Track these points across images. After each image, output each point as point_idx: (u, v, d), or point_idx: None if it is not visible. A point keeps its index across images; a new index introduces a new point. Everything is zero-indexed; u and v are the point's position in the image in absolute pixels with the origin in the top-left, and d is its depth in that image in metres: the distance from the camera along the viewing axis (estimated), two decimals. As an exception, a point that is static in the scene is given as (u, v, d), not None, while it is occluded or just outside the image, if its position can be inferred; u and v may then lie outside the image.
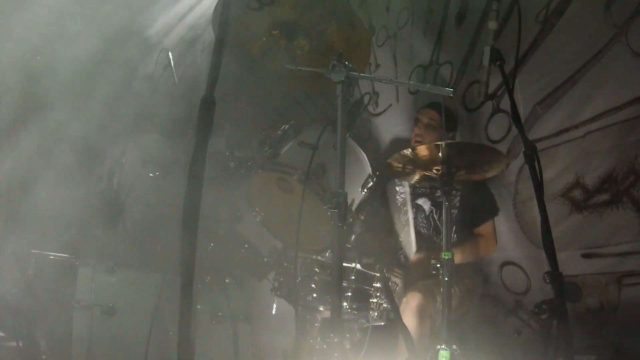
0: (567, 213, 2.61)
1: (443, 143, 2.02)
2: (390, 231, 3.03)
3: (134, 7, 3.76)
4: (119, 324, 2.67)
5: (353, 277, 2.37)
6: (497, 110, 3.01)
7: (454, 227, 2.80)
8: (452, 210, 2.82)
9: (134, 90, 3.60)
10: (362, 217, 2.50)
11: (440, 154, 2.07)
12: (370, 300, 2.36)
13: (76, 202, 3.34)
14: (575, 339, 1.61)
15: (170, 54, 3.29)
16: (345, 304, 2.31)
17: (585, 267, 2.52)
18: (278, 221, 2.69)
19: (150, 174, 3.38)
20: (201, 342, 2.91)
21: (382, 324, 2.40)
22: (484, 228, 2.85)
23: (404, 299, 2.41)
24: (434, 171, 2.17)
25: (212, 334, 3.01)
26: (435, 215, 2.89)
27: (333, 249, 1.73)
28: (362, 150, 2.61)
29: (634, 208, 2.35)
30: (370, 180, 2.53)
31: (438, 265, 2.08)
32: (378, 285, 2.35)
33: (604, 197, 2.47)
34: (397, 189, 3.11)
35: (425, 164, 2.16)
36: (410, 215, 2.87)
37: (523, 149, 1.79)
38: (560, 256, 1.65)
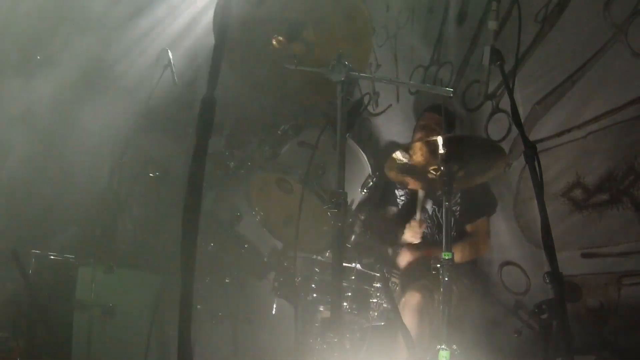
0: (567, 213, 2.61)
1: (439, 138, 2.01)
2: (390, 231, 3.03)
3: (134, 7, 3.76)
4: (119, 324, 2.67)
5: (353, 277, 2.37)
6: (496, 109, 3.01)
7: (455, 225, 2.79)
8: (454, 207, 2.81)
9: (134, 90, 3.60)
10: (362, 217, 2.51)
11: (438, 152, 2.06)
12: (370, 300, 2.36)
13: (77, 202, 3.35)
14: (575, 339, 1.61)
15: (170, 54, 3.28)
16: (345, 304, 2.31)
17: (585, 267, 2.52)
18: (278, 221, 2.69)
19: (150, 174, 3.38)
20: (201, 342, 2.92)
21: (382, 324, 2.40)
22: (477, 225, 2.81)
23: (403, 299, 2.41)
24: (432, 172, 2.16)
25: (212, 334, 3.01)
26: (438, 214, 2.89)
27: (333, 249, 1.73)
28: (362, 150, 2.61)
29: (634, 208, 2.35)
30: (370, 180, 2.53)
31: (438, 265, 2.08)
32: (378, 285, 2.35)
33: (604, 197, 2.47)
34: (397, 191, 3.10)
35: (422, 166, 2.15)
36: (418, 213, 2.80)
37: (523, 150, 1.79)
38: (560, 256, 1.65)
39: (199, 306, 2.99)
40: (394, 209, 3.10)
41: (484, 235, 2.82)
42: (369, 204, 2.66)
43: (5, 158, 3.23)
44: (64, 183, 3.34)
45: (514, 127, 2.85)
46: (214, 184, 3.00)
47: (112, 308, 2.65)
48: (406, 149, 2.10)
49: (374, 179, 2.56)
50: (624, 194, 2.38)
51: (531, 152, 1.74)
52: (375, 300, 2.35)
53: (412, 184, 2.38)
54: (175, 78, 3.15)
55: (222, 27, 1.32)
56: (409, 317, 2.31)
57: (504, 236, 2.92)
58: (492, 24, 2.06)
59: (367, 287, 2.37)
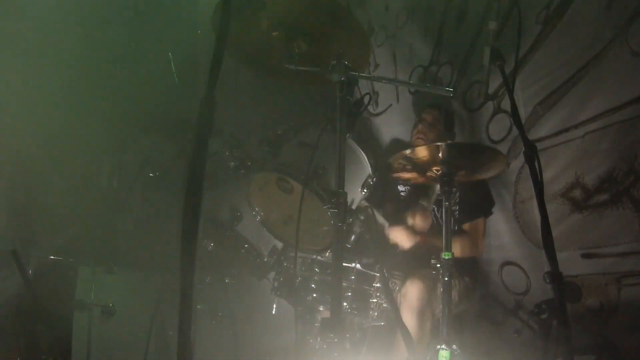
0: (567, 213, 2.61)
1: (443, 144, 2.03)
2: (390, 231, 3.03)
3: (133, 7, 3.76)
4: (119, 324, 2.67)
5: (353, 277, 2.37)
6: (497, 110, 3.01)
7: (455, 225, 2.79)
8: (454, 207, 2.81)
9: (133, 90, 3.60)
10: (362, 217, 2.50)
11: (440, 155, 2.07)
12: (370, 300, 2.36)
13: (77, 202, 3.34)
14: (575, 339, 1.61)
15: (170, 54, 3.29)
16: (345, 304, 2.31)
17: (585, 267, 2.52)
18: (278, 221, 2.68)
19: (150, 174, 3.38)
20: (201, 342, 2.92)
21: (382, 324, 2.40)
22: (472, 226, 2.81)
23: (403, 289, 2.41)
24: (434, 171, 2.17)
25: (212, 334, 3.01)
26: (437, 214, 2.89)
27: (333, 249, 1.73)
28: (362, 150, 2.61)
29: (634, 208, 2.35)
30: (370, 180, 2.53)
31: (438, 265, 2.08)
32: (378, 285, 2.35)
33: (604, 197, 2.47)
34: (399, 187, 3.11)
35: (425, 165, 2.16)
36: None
37: (523, 149, 1.79)
38: (560, 256, 1.65)
39: (199, 306, 2.99)
40: (394, 206, 3.11)
41: (479, 235, 2.82)
42: (369, 203, 2.66)
43: (5, 158, 3.22)
44: (64, 183, 3.34)
45: (514, 127, 2.85)
46: (214, 184, 3.00)
47: (112, 308, 2.65)
48: (411, 147, 2.11)
49: (374, 179, 2.56)
50: (624, 194, 2.38)
51: (531, 152, 1.74)
52: (375, 300, 2.35)
53: (415, 179, 2.38)
54: (176, 78, 3.15)
55: (222, 27, 1.32)
56: (408, 313, 2.31)
57: (504, 236, 2.93)
58: (492, 24, 2.06)
59: (367, 287, 2.37)
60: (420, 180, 2.38)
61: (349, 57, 1.82)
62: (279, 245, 2.83)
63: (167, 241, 3.15)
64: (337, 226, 1.66)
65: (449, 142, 2.05)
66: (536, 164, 1.73)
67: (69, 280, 2.66)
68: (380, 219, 2.96)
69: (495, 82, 2.99)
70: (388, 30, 3.84)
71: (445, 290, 2.03)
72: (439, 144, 2.04)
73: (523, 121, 2.70)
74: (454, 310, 2.22)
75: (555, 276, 1.58)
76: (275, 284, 2.62)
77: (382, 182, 2.68)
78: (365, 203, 2.38)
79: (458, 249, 2.70)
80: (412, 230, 2.78)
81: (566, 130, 2.65)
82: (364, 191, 2.50)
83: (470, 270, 2.78)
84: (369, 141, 3.82)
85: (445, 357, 1.94)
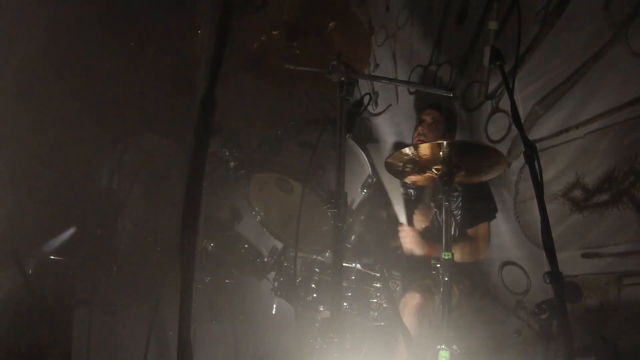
0: (567, 213, 2.61)
1: (445, 142, 2.02)
2: (389, 231, 3.03)
3: (133, 7, 3.76)
4: (119, 324, 2.67)
5: (353, 277, 2.37)
6: (496, 109, 3.01)
7: (456, 229, 2.79)
8: (456, 211, 2.82)
9: (133, 90, 3.60)
10: (362, 217, 2.51)
11: (441, 153, 2.07)
12: (370, 300, 2.36)
13: (77, 203, 3.35)
14: (575, 339, 1.61)
15: (170, 53, 3.29)
16: (345, 304, 2.31)
17: (585, 267, 2.52)
18: (278, 221, 2.69)
19: (151, 174, 3.38)
20: (201, 342, 2.92)
21: (382, 324, 2.40)
22: (478, 230, 2.81)
23: (403, 299, 2.41)
24: (434, 171, 2.16)
25: (212, 334, 3.01)
26: (439, 217, 2.89)
27: (333, 249, 1.73)
28: (362, 150, 2.61)
29: (634, 208, 2.35)
30: (370, 180, 2.53)
31: (438, 265, 2.08)
32: (378, 285, 2.35)
33: (604, 197, 2.47)
34: (400, 189, 3.10)
35: (426, 164, 2.16)
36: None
37: (523, 149, 1.79)
38: (560, 256, 1.65)
39: (199, 306, 2.99)
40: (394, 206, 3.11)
41: (483, 240, 2.82)
42: (369, 204, 2.66)
43: (5, 157, 3.23)
44: (64, 183, 3.34)
45: (513, 127, 2.85)
46: (214, 184, 3.00)
47: (112, 308, 2.65)
48: (411, 146, 2.11)
49: (374, 179, 2.56)
50: (624, 194, 2.38)
51: (531, 152, 1.73)
52: (375, 300, 2.35)
53: (415, 180, 2.38)
54: (176, 78, 3.15)
55: (222, 27, 1.31)
56: (408, 317, 2.31)
57: (504, 236, 2.92)
58: (492, 24, 2.06)
59: (367, 287, 2.37)
60: (420, 180, 2.38)
61: (349, 57, 1.82)
62: (279, 245, 2.83)
63: (167, 241, 3.15)
64: (337, 226, 1.66)
65: (449, 140, 2.04)
66: (536, 164, 1.72)
67: (69, 280, 2.66)
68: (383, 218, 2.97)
69: (493, 82, 2.99)
70: (388, 30, 3.84)
71: (446, 290, 2.03)
72: (439, 142, 2.03)
73: (522, 121, 2.70)
74: (454, 313, 2.22)
75: (555, 276, 1.58)
76: (275, 284, 2.62)
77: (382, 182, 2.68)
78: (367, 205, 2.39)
79: (463, 254, 2.71)
80: (421, 238, 2.74)
81: (566, 130, 2.65)
82: (364, 191, 2.50)
83: (470, 273, 2.78)
84: (369, 141, 3.82)
85: (445, 357, 1.94)
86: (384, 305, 2.33)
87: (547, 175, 2.51)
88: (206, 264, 3.01)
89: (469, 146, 2.29)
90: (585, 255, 2.53)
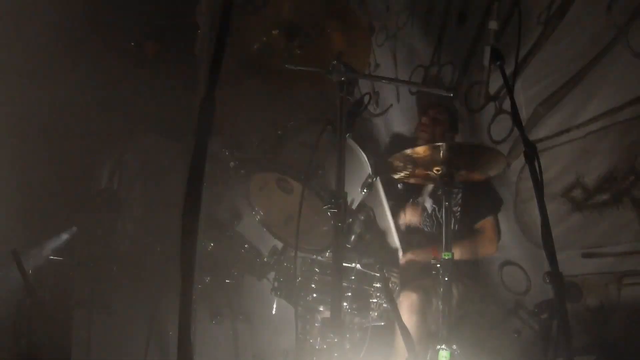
0: (567, 213, 2.61)
1: (444, 144, 2.02)
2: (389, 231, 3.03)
3: (133, 6, 3.76)
4: (119, 324, 2.67)
5: (353, 277, 2.37)
6: (499, 111, 3.01)
7: (456, 226, 2.79)
8: (455, 208, 2.81)
9: (133, 90, 3.60)
10: (362, 217, 2.50)
11: (441, 155, 2.07)
12: (370, 300, 2.36)
13: (77, 203, 3.35)
14: (575, 339, 1.61)
15: (170, 53, 3.29)
16: (345, 304, 2.31)
17: (585, 267, 2.52)
18: (278, 221, 2.68)
19: (151, 174, 3.38)
20: (201, 342, 2.91)
21: (382, 324, 2.40)
22: (484, 224, 2.80)
23: (398, 300, 2.41)
24: (435, 171, 2.17)
25: (212, 334, 3.01)
26: (438, 214, 2.89)
27: (333, 249, 1.73)
28: (362, 150, 2.61)
29: (634, 208, 2.35)
30: (370, 180, 2.53)
31: (438, 265, 2.08)
32: (378, 285, 2.35)
33: (604, 197, 2.47)
34: (399, 185, 3.10)
35: (426, 164, 2.16)
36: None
37: (523, 149, 1.79)
38: (560, 256, 1.65)
39: (198, 306, 2.99)
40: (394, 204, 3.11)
41: (491, 234, 2.80)
42: (369, 204, 2.66)
43: (5, 158, 3.23)
44: (64, 183, 3.34)
45: (515, 128, 2.85)
46: (214, 184, 3.00)
47: (112, 308, 2.65)
48: (412, 147, 2.11)
49: (374, 179, 2.56)
50: (624, 194, 2.38)
51: (531, 152, 1.73)
52: (375, 300, 2.35)
53: (415, 180, 2.38)
54: (176, 77, 3.15)
55: (222, 27, 1.32)
56: (404, 318, 2.31)
57: (504, 236, 2.92)
58: (492, 24, 2.06)
59: (367, 287, 2.37)
60: (420, 180, 2.38)
61: (349, 57, 1.82)
62: (279, 245, 2.83)
63: (167, 241, 3.15)
64: (337, 226, 1.66)
65: (449, 142, 2.04)
66: (536, 164, 1.72)
67: (69, 280, 2.66)
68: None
69: (497, 83, 2.99)
70: (389, 30, 3.83)
71: (445, 290, 2.03)
72: (439, 144, 2.04)
73: (524, 122, 2.70)
74: (454, 313, 2.22)
75: (555, 276, 1.58)
76: (275, 284, 2.62)
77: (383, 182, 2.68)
78: (366, 204, 2.39)
79: (472, 249, 2.71)
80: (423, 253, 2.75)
81: (567, 130, 2.65)
82: (364, 191, 2.50)
83: (469, 272, 2.77)
84: (369, 141, 3.82)
85: (445, 357, 1.94)
86: (384, 305, 2.33)
87: (548, 175, 2.51)
88: (206, 264, 3.01)
89: (468, 147, 2.29)
90: (585, 255, 2.53)
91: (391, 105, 3.77)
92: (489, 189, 2.85)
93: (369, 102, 3.90)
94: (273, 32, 2.17)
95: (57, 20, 3.34)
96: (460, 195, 2.82)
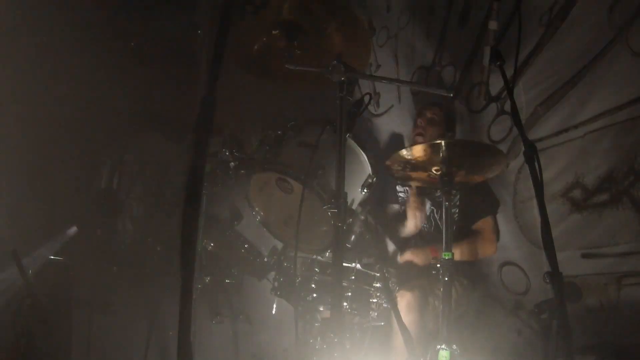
0: (567, 213, 2.61)
1: (442, 142, 2.02)
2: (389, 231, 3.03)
3: (133, 7, 3.76)
4: (119, 324, 2.67)
5: (353, 277, 2.37)
6: (501, 112, 3.01)
7: (454, 227, 2.79)
8: (453, 210, 2.81)
9: (133, 90, 3.60)
10: (362, 217, 2.50)
11: (440, 154, 2.07)
12: (370, 300, 2.36)
13: (77, 202, 3.35)
14: (575, 339, 1.61)
15: (170, 53, 3.29)
16: (345, 304, 2.31)
17: (585, 267, 2.52)
18: (278, 221, 2.68)
19: (151, 174, 3.38)
20: (201, 342, 2.92)
21: (382, 324, 2.40)
22: (482, 224, 2.80)
23: (399, 298, 2.41)
24: (434, 171, 2.17)
25: (212, 334, 3.01)
26: (436, 216, 2.89)
27: (333, 249, 1.73)
28: (362, 150, 2.61)
29: (634, 208, 2.35)
30: (370, 180, 2.53)
31: (438, 266, 2.08)
32: (378, 285, 2.35)
33: (604, 197, 2.47)
34: (397, 187, 3.11)
35: (424, 165, 2.16)
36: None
37: (523, 149, 1.79)
38: (560, 256, 1.65)
39: (199, 306, 2.99)
40: (395, 206, 3.11)
41: (489, 234, 2.80)
42: (369, 204, 2.66)
43: (5, 158, 3.23)
44: (64, 183, 3.34)
45: (514, 127, 2.85)
46: (214, 184, 3.00)
47: (112, 308, 2.65)
48: (410, 147, 2.11)
49: (374, 179, 2.56)
50: (624, 194, 2.38)
51: (531, 151, 1.74)
52: (375, 300, 2.35)
53: (414, 181, 2.38)
54: (176, 78, 3.15)
55: (222, 27, 1.32)
56: (403, 316, 2.31)
57: (503, 236, 2.92)
58: (492, 24, 2.06)
59: (367, 287, 2.37)
60: (421, 180, 2.38)
61: (349, 57, 1.82)
62: (279, 245, 2.83)
63: (167, 241, 3.15)
64: (337, 226, 1.66)
65: (448, 140, 2.03)
66: (536, 164, 1.73)
67: (69, 280, 2.66)
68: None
69: (499, 84, 2.99)
70: (390, 30, 3.83)
71: (445, 290, 2.03)
72: (438, 141, 2.03)
73: (523, 121, 2.70)
74: (454, 313, 2.22)
75: (555, 276, 1.58)
76: (275, 284, 2.62)
77: (382, 183, 2.69)
78: (360, 209, 2.38)
79: (471, 250, 2.70)
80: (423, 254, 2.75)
81: (566, 130, 2.65)
82: (364, 191, 2.50)
83: (468, 272, 2.78)
84: (370, 141, 3.82)
85: (445, 357, 1.94)
86: (384, 305, 2.33)
87: (547, 175, 2.51)
88: (206, 264, 3.01)
89: (467, 145, 2.29)
90: (585, 256, 2.53)
91: (392, 105, 3.77)
92: (487, 190, 2.85)
93: (369, 102, 3.89)
94: (273, 32, 2.17)
95: (57, 19, 3.34)
96: (457, 197, 2.82)
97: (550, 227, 1.64)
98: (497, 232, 2.84)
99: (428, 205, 2.92)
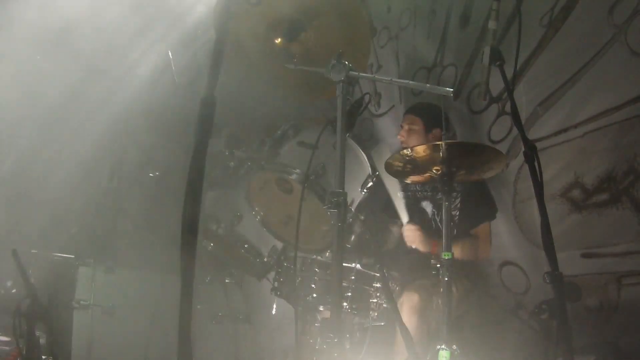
0: (567, 213, 2.61)
1: (443, 143, 2.02)
2: (389, 232, 3.03)
3: (133, 7, 3.76)
4: (119, 324, 2.67)
5: (353, 277, 2.37)
6: (502, 112, 3.01)
7: (454, 230, 2.80)
8: (454, 212, 2.82)
9: (133, 90, 3.60)
10: (362, 217, 2.51)
11: (440, 154, 2.07)
12: (370, 300, 2.36)
13: (76, 202, 3.34)
14: (575, 339, 1.61)
15: (170, 53, 3.29)
16: (345, 304, 2.31)
17: (585, 267, 2.52)
18: (278, 221, 2.69)
19: (150, 174, 3.38)
20: (201, 342, 2.92)
21: (382, 324, 2.40)
22: (480, 230, 2.82)
23: (400, 299, 2.41)
24: (434, 171, 2.17)
25: (212, 334, 3.01)
26: (437, 218, 2.89)
27: (333, 249, 1.73)
28: (363, 150, 2.61)
29: (633, 208, 2.35)
30: (369, 180, 2.53)
31: (438, 266, 2.08)
32: (378, 285, 2.35)
33: (603, 196, 2.47)
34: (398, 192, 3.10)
35: (425, 164, 2.16)
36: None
37: (523, 149, 1.79)
38: (560, 256, 1.65)
39: (199, 306, 2.99)
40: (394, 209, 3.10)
41: (485, 239, 2.82)
42: (369, 204, 2.66)
43: (5, 158, 3.23)
44: (63, 183, 3.33)
45: (514, 128, 2.85)
46: (214, 184, 3.00)
47: (112, 308, 2.65)
48: (409, 148, 2.10)
49: (374, 179, 2.56)
50: (623, 194, 2.38)
51: (531, 151, 1.73)
52: (375, 300, 2.35)
53: (414, 179, 2.38)
54: (175, 78, 3.15)
55: (222, 26, 1.32)
56: (406, 318, 2.31)
57: (503, 236, 2.92)
58: (491, 24, 2.06)
59: (367, 287, 2.37)
60: (421, 180, 2.38)
61: (349, 57, 1.82)
62: (279, 245, 2.83)
63: (167, 241, 3.15)
64: (337, 226, 1.66)
65: (448, 141, 2.03)
66: (536, 164, 1.73)
67: (69, 279, 2.66)
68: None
69: (500, 85, 2.99)
70: (391, 31, 3.83)
71: (446, 290, 2.03)
72: (438, 142, 2.03)
73: (523, 122, 2.70)
74: (454, 313, 2.22)
75: (555, 276, 1.58)
76: (275, 284, 2.62)
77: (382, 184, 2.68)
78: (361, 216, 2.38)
79: (464, 251, 2.70)
80: (426, 235, 2.73)
81: (565, 130, 2.65)
82: (364, 191, 2.50)
83: (469, 272, 2.78)
84: (370, 142, 3.82)
85: (445, 357, 1.94)
86: (384, 305, 2.33)
87: (546, 175, 2.49)
88: (206, 264, 3.02)
89: (467, 146, 2.29)
90: (584, 255, 2.53)
91: (393, 106, 3.77)
92: (487, 195, 2.85)
93: (369, 102, 3.90)
94: (273, 32, 2.17)
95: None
96: (459, 199, 2.83)
97: (550, 227, 1.64)
98: (490, 238, 2.86)
99: (430, 207, 2.92)
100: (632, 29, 2.37)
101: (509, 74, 1.97)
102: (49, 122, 3.36)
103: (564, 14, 2.68)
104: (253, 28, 2.20)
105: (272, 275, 2.77)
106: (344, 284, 2.27)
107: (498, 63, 1.94)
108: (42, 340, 2.44)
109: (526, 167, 1.75)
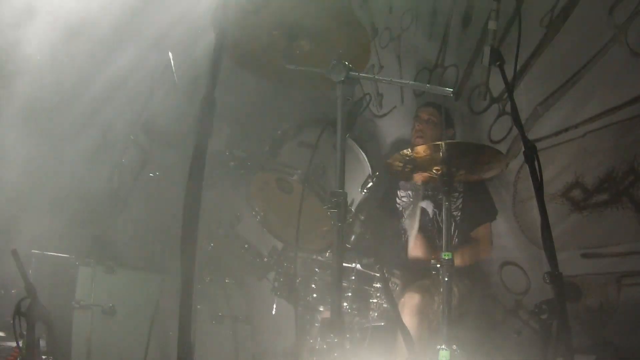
0: (567, 213, 2.61)
1: (443, 143, 2.03)
2: (389, 232, 3.03)
3: (133, 7, 3.76)
4: (119, 324, 2.67)
5: (353, 277, 2.37)
6: (502, 112, 3.01)
7: (456, 230, 2.80)
8: (455, 213, 2.83)
9: (133, 90, 3.60)
10: (362, 217, 2.51)
11: (440, 154, 2.07)
12: (370, 300, 2.36)
13: (77, 202, 3.35)
14: (575, 339, 1.62)
15: (170, 54, 3.29)
16: (345, 304, 2.31)
17: (585, 267, 2.52)
18: (278, 221, 2.69)
19: (150, 174, 3.38)
20: (201, 342, 2.92)
21: (382, 324, 2.40)
22: (480, 231, 2.83)
23: (402, 300, 2.41)
24: (434, 171, 2.17)
25: (212, 334, 3.01)
26: (438, 218, 2.89)
27: (333, 249, 1.73)
28: (364, 151, 2.61)
29: (634, 208, 2.35)
30: (370, 180, 2.53)
31: (438, 266, 2.08)
32: (378, 285, 2.35)
33: (604, 196, 2.47)
34: (399, 192, 3.10)
35: (425, 164, 2.17)
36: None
37: (523, 149, 1.79)
38: (560, 256, 1.65)
39: (199, 306, 2.99)
40: (393, 210, 3.10)
41: (485, 241, 2.84)
42: (369, 204, 2.66)
43: (5, 157, 3.23)
44: (64, 183, 3.34)
45: (514, 127, 2.85)
46: (214, 184, 3.00)
47: (112, 308, 2.65)
48: (411, 147, 2.11)
49: (374, 179, 2.56)
50: (624, 194, 2.38)
51: (531, 152, 1.74)
52: (375, 300, 2.35)
53: (416, 178, 2.39)
54: (176, 78, 3.15)
55: (222, 28, 1.32)
56: (407, 318, 2.31)
57: (503, 236, 2.93)
58: (491, 24, 2.06)
59: (367, 287, 2.37)
60: (421, 180, 2.38)
61: (349, 57, 1.82)
62: (279, 245, 2.83)
63: (167, 241, 3.15)
64: (337, 226, 1.66)
65: (448, 141, 2.04)
66: (536, 164, 1.73)
67: (69, 279, 2.66)
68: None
69: (500, 85, 2.99)
70: (392, 31, 3.83)
71: (446, 290, 2.03)
72: (438, 143, 2.04)
73: (523, 122, 2.70)
74: (454, 312, 2.22)
75: (555, 276, 1.58)
76: (275, 284, 2.62)
77: (384, 182, 2.69)
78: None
79: (464, 257, 2.72)
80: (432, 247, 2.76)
81: (566, 130, 2.65)
82: (364, 191, 2.50)
83: (470, 273, 2.78)
84: (371, 142, 3.82)
85: (445, 357, 1.94)
86: (384, 305, 2.33)
87: (546, 175, 2.50)
88: (206, 264, 3.01)
89: (467, 146, 2.29)
90: (584, 255, 2.53)
91: (395, 106, 3.77)
92: (487, 197, 2.87)
93: (369, 102, 3.90)
94: (273, 32, 2.16)
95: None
96: (460, 200, 2.84)
97: (550, 227, 1.64)
98: (491, 239, 2.89)
99: (431, 208, 2.92)
100: (632, 29, 2.37)
101: (509, 74, 1.97)
102: (49, 121, 3.36)
103: (564, 15, 2.68)
104: (253, 28, 2.20)
105: (272, 275, 2.77)
106: (344, 284, 2.27)
107: (498, 63, 1.95)
108: (42, 341, 2.44)
109: (526, 167, 1.76)
